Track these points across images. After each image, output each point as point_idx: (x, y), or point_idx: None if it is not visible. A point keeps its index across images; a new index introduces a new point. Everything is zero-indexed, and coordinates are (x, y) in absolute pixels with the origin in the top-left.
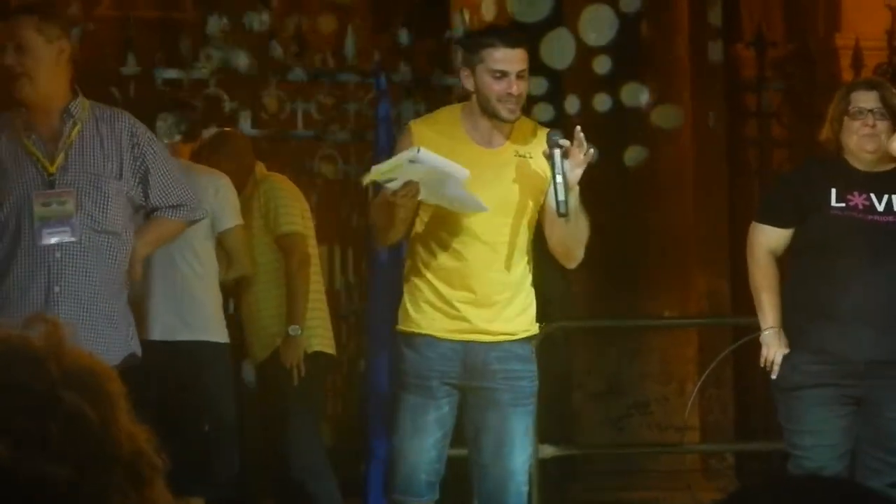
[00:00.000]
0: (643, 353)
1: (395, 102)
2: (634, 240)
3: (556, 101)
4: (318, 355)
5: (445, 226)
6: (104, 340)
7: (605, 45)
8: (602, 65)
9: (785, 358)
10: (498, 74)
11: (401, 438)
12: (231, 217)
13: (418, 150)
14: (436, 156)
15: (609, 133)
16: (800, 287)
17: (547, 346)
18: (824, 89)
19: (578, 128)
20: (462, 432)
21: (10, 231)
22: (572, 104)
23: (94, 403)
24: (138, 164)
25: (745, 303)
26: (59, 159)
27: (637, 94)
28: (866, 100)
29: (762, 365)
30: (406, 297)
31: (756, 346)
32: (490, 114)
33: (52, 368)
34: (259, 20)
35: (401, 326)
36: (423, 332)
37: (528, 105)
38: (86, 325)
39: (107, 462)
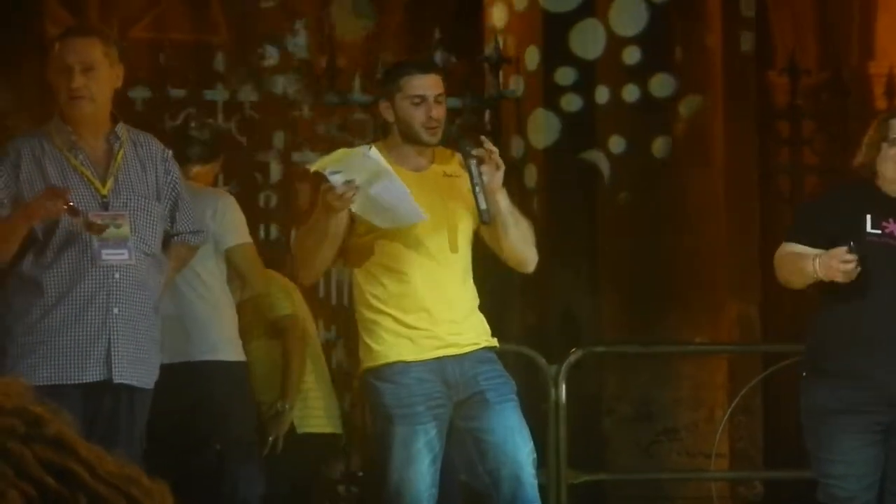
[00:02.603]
0: (673, 379)
1: None
2: (665, 265)
3: (585, 91)
4: (309, 437)
5: (386, 253)
6: (148, 364)
7: (634, 36)
8: (632, 56)
9: (817, 383)
10: (417, 100)
11: (397, 471)
12: (233, 235)
13: (370, 148)
14: (388, 167)
15: (637, 124)
16: (833, 314)
17: (577, 370)
18: (857, 117)
19: (483, 137)
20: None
21: (70, 251)
22: (602, 94)
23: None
24: (170, 188)
25: (775, 330)
26: (110, 182)
27: (665, 85)
28: None
29: (838, 271)
30: (363, 336)
31: (786, 375)
32: (413, 140)
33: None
34: (293, 44)
35: (367, 364)
36: (392, 360)
37: (556, 95)
38: (137, 348)
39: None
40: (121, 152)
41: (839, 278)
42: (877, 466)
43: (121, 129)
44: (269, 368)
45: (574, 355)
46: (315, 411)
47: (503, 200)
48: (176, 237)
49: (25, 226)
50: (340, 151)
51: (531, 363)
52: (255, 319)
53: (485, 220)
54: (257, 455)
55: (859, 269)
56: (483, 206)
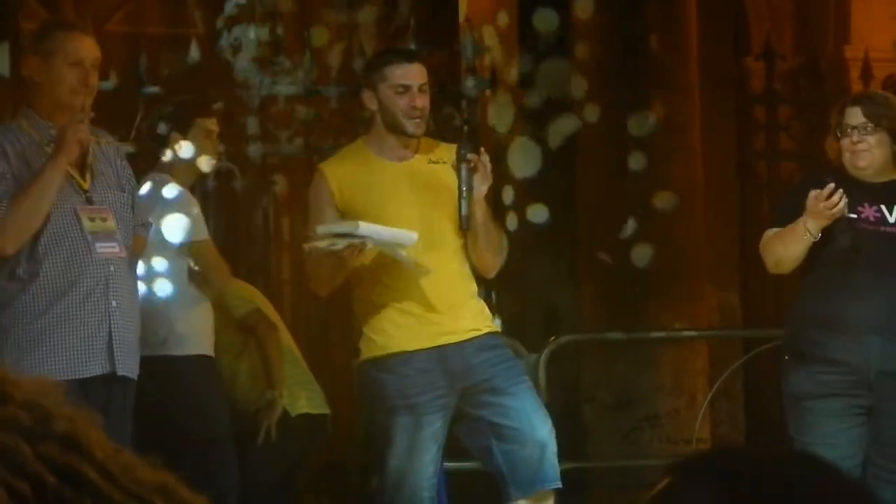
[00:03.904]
0: (653, 367)
1: None
2: (644, 252)
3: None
4: (303, 417)
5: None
6: (136, 357)
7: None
8: None
9: (797, 368)
10: (401, 89)
11: (398, 460)
12: (190, 231)
13: (357, 227)
14: (377, 227)
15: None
16: (812, 298)
17: (557, 359)
18: (834, 102)
19: (483, 149)
20: (460, 444)
21: (64, 245)
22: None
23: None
24: (128, 181)
25: (755, 316)
26: (89, 176)
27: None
28: (851, 116)
29: (829, 207)
30: (363, 327)
31: (767, 359)
32: (397, 130)
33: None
34: (267, 34)
35: (367, 355)
36: (394, 350)
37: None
38: (132, 339)
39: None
40: (92, 145)
41: (834, 215)
42: (859, 449)
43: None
44: (249, 365)
45: (554, 343)
46: (301, 395)
47: (480, 211)
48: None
49: (63, 166)
50: (332, 233)
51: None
52: (223, 320)
53: (464, 226)
54: (231, 448)
55: (845, 199)
56: (465, 212)
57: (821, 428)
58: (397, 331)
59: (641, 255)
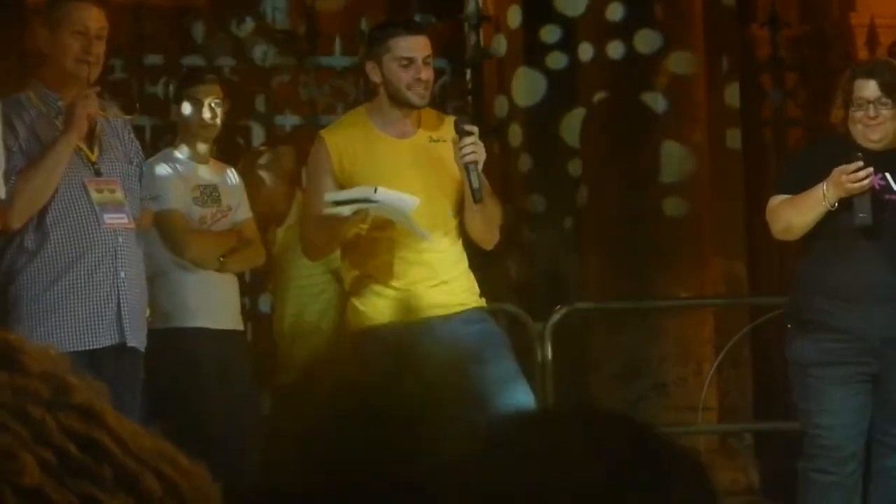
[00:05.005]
0: (660, 335)
1: None
2: (650, 221)
3: (569, 48)
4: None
5: (376, 218)
6: (144, 328)
7: None
8: (615, 12)
9: (801, 336)
10: (405, 62)
11: None
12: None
13: (375, 191)
14: (389, 192)
15: (623, 80)
16: (817, 267)
17: (563, 328)
18: (839, 69)
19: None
20: None
21: (72, 216)
22: (586, 51)
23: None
24: (136, 154)
25: (761, 284)
26: (97, 148)
27: (650, 41)
28: (866, 89)
29: (852, 181)
30: (352, 299)
31: (774, 326)
32: (401, 102)
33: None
34: (273, 9)
35: (355, 326)
36: (379, 322)
37: (541, 54)
38: (140, 310)
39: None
40: (100, 119)
41: (854, 190)
42: (863, 416)
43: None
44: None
45: (560, 313)
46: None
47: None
48: (139, 202)
49: (74, 141)
50: (347, 198)
51: (517, 321)
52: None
53: (477, 197)
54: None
55: (871, 178)
56: (475, 184)
57: (825, 396)
58: (385, 303)
59: (673, 205)
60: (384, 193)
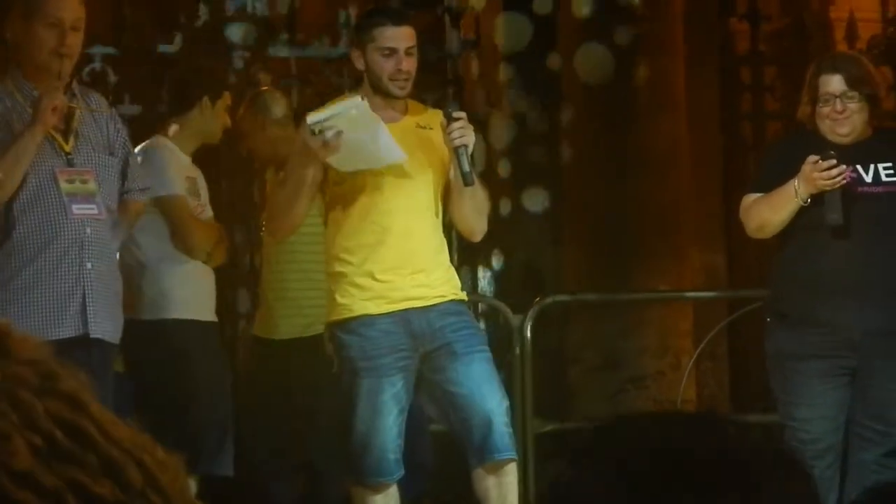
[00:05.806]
0: (638, 328)
1: None
2: (629, 214)
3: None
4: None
5: (359, 204)
6: (117, 319)
7: None
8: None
9: (781, 329)
10: (387, 52)
11: (363, 423)
12: (159, 185)
13: (361, 104)
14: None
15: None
16: (794, 260)
17: (541, 320)
18: None
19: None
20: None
21: (40, 206)
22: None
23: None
24: (121, 145)
25: (740, 277)
26: (72, 139)
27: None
28: (832, 84)
29: (823, 178)
30: (331, 288)
31: (752, 320)
32: (381, 91)
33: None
34: None
35: (332, 318)
36: (357, 314)
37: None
38: (109, 302)
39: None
40: (78, 110)
41: (826, 185)
42: (842, 409)
43: (76, 86)
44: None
45: (539, 305)
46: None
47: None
48: (126, 194)
49: (38, 134)
50: (334, 109)
51: (496, 313)
52: None
53: (469, 182)
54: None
55: (845, 178)
56: (466, 168)
57: (804, 388)
58: (362, 294)
59: (653, 198)
60: (370, 113)
